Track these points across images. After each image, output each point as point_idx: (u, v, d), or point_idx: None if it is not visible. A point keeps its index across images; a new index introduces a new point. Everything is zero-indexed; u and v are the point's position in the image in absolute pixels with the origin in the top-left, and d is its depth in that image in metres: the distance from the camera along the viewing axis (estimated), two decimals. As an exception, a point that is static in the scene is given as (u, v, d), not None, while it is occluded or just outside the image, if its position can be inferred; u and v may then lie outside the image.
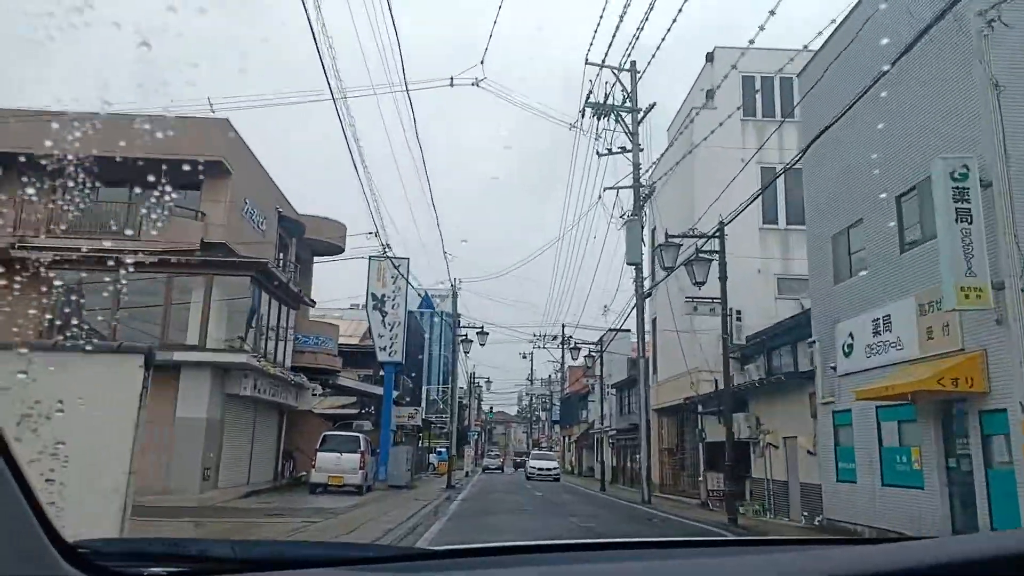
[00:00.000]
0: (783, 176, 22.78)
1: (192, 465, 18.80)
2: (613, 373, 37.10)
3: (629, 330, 39.01)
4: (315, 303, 25.78)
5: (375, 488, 24.40)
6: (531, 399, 77.72)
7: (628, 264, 23.12)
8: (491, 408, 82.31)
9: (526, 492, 26.33)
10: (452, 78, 17.24)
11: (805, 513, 15.22)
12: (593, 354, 33.47)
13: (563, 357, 63.14)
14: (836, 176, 14.33)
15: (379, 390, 27.23)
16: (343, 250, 29.39)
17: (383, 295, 26.20)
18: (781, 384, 16.14)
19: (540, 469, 37.73)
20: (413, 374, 42.88)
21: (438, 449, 47.49)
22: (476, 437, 68.48)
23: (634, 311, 25.84)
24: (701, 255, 15.25)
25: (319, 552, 1.55)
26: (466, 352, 30.34)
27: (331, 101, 11.87)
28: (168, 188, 20.17)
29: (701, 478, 22.14)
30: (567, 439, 64.95)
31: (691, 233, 15.51)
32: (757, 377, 19.41)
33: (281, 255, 26.18)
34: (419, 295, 48.60)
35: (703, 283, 15.10)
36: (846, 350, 13.36)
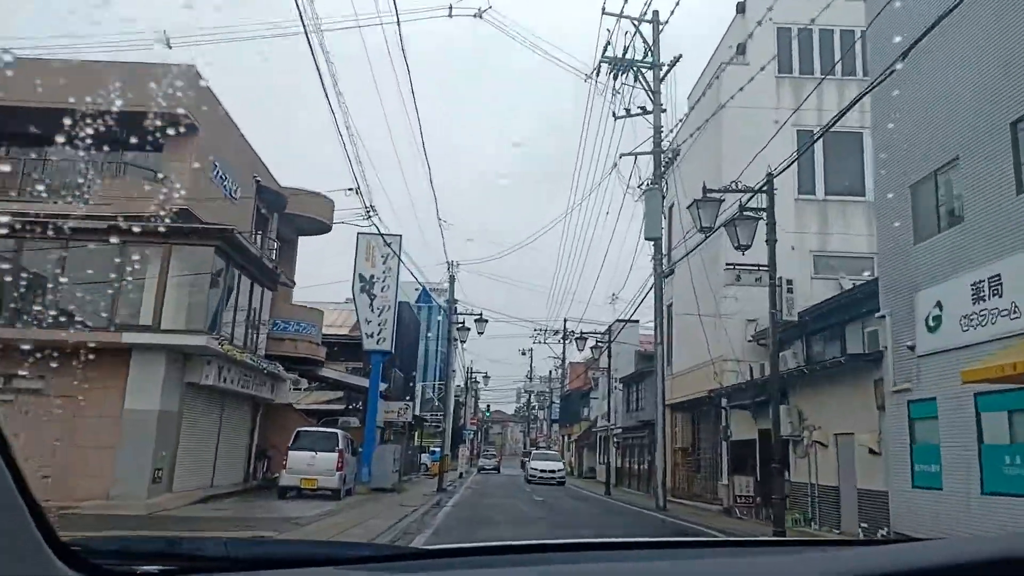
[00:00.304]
0: (821, 141, 20.28)
1: (141, 465, 16.20)
2: (619, 367, 34.47)
3: (638, 321, 36.53)
4: (294, 283, 23.14)
5: (356, 491, 21.78)
6: (530, 396, 75.09)
7: (647, 239, 20.56)
8: (488, 406, 79.70)
9: (525, 496, 23.74)
10: (451, 7, 14.60)
11: (864, 524, 12.63)
12: (600, 344, 30.89)
13: (564, 352, 60.63)
14: (917, 110, 11.76)
15: (367, 383, 24.60)
16: (330, 228, 26.76)
17: (372, 276, 23.59)
18: (834, 371, 13.55)
19: (542, 471, 33.68)
20: (412, 373, 40.27)
21: (431, 449, 44.91)
22: (472, 436, 65.87)
23: (646, 297, 23.26)
24: (746, 213, 12.66)
25: (312, 551, 1.54)
26: (463, 341, 27.71)
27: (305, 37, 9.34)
28: (122, 145, 17.64)
29: (725, 482, 19.56)
30: (566, 438, 62.36)
31: (732, 188, 12.91)
32: (794, 365, 16.81)
33: (260, 232, 23.55)
34: (416, 287, 46.04)
35: (748, 247, 12.52)
36: (931, 324, 10.78)
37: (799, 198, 21.85)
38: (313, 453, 18.40)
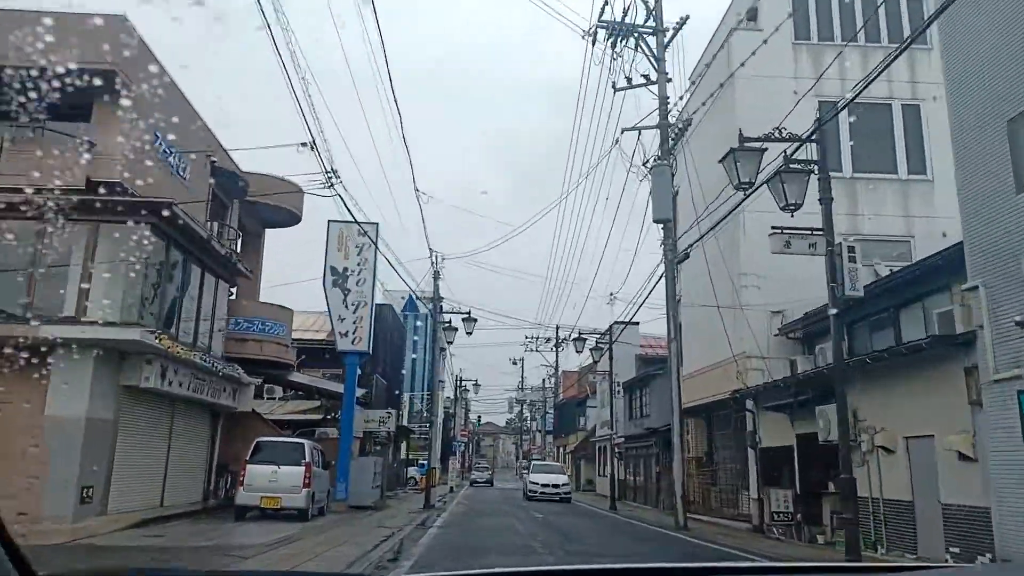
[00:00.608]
0: (846, 114, 18.03)
1: (65, 482, 13.51)
2: (620, 372, 31.91)
3: (638, 323, 34.07)
4: (252, 274, 20.46)
5: (332, 510, 19.10)
6: (521, 406, 72.39)
7: (655, 221, 18.10)
8: (479, 417, 76.99)
9: (523, 514, 21.08)
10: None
11: (954, 549, 10.09)
12: (600, 345, 28.36)
13: (556, 360, 58.23)
14: (1006, 28, 9.35)
15: (343, 389, 21.90)
16: (300, 219, 24.21)
17: (345, 268, 20.98)
18: (907, 359, 11.06)
19: (544, 485, 28.42)
20: (397, 381, 37.56)
21: (420, 461, 42.18)
22: (463, 448, 63.09)
23: (652, 292, 20.82)
24: (792, 166, 10.20)
25: None
26: (450, 342, 25.17)
27: None
28: (38, 109, 15.05)
29: (755, 495, 17.03)
30: (561, 450, 59.64)
31: (775, 135, 10.45)
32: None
33: (217, 220, 20.85)
34: (402, 296, 43.36)
35: (797, 207, 10.06)
36: (1051, 291, 8.32)
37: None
38: (275, 467, 15.74)
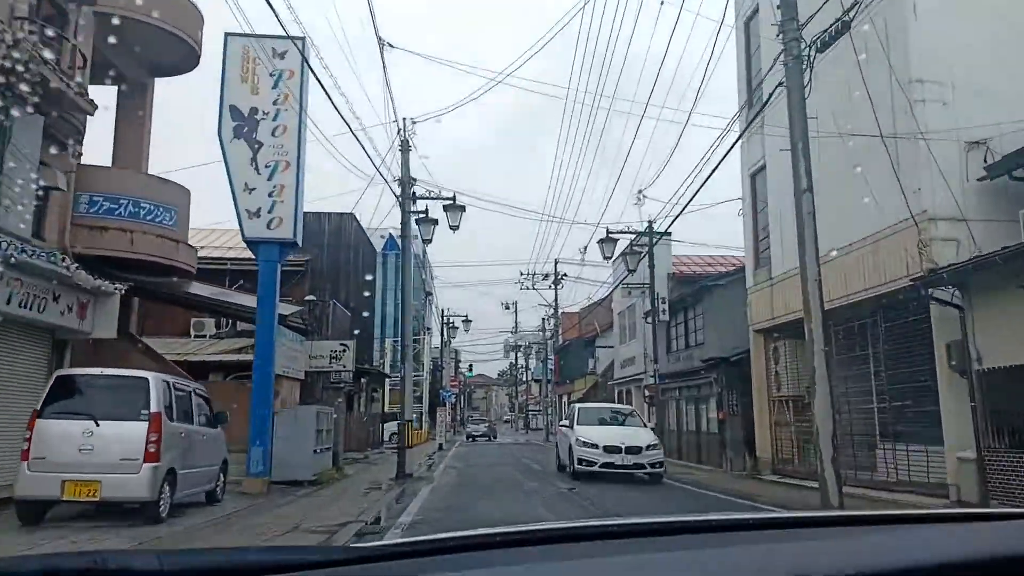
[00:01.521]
0: None
1: None
2: (647, 296, 24.45)
3: (671, 233, 26.71)
4: (91, 101, 12.42)
5: (242, 490, 11.73)
6: (516, 354, 65.20)
7: (772, -13, 10.39)
8: (471, 366, 69.91)
9: (548, 488, 13.72)
10: None
11: None
12: (636, 248, 20.78)
13: (556, 298, 51.10)
14: None
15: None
16: (198, 57, 16.22)
17: (253, 109, 13.10)
18: None
19: (610, 452, 14.12)
20: (366, 320, 30.03)
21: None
22: (453, 400, 55.96)
23: (742, 133, 13.20)
24: None
25: (261, 558, 1.21)
26: (427, 241, 17.50)
27: None
28: None
29: (974, 453, 9.74)
30: (564, 398, 52.75)
31: None
32: None
33: (47, 28, 12.71)
34: (382, 235, 35.52)
35: None
36: None
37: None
38: (90, 424, 8.16)
